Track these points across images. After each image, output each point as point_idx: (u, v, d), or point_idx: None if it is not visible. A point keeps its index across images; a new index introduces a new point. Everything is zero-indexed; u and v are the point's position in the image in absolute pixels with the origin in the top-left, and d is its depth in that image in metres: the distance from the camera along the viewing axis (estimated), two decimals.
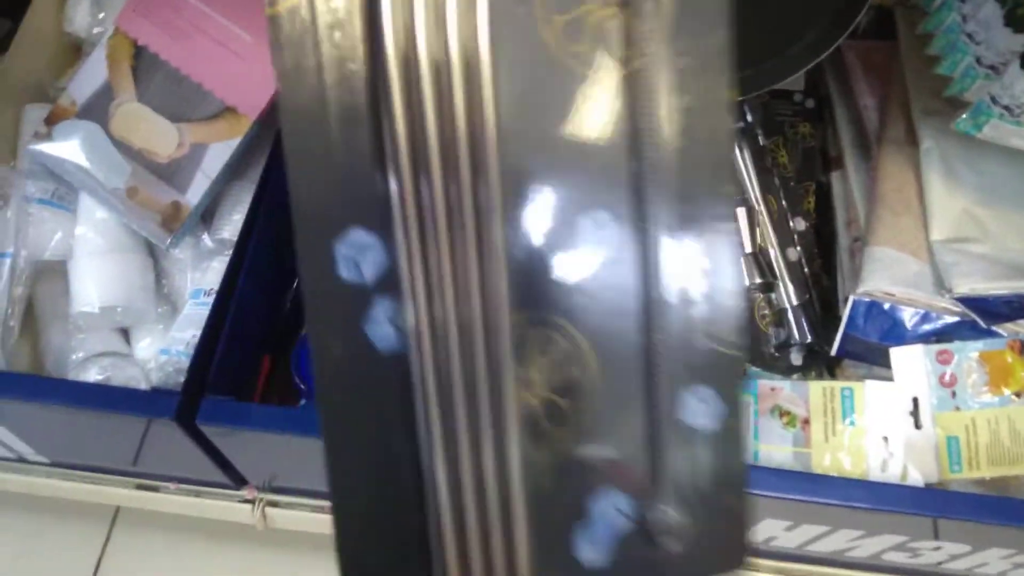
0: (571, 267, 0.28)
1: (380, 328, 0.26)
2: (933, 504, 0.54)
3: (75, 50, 0.78)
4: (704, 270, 0.29)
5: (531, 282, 0.27)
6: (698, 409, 0.29)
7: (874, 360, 0.63)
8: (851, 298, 0.62)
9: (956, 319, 0.62)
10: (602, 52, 0.26)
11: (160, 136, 0.64)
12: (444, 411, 0.27)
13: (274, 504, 0.68)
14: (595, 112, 0.27)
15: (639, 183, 0.27)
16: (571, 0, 0.26)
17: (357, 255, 0.25)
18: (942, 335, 0.62)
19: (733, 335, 0.29)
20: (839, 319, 0.63)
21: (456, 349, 0.26)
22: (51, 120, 0.65)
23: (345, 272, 0.25)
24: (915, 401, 0.61)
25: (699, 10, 0.26)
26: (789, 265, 0.67)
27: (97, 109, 0.65)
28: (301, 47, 0.24)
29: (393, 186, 0.25)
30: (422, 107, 0.25)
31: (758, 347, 0.65)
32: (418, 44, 0.25)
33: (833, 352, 0.63)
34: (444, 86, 0.25)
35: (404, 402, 0.27)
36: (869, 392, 0.61)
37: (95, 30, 0.75)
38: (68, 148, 0.64)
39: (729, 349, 0.29)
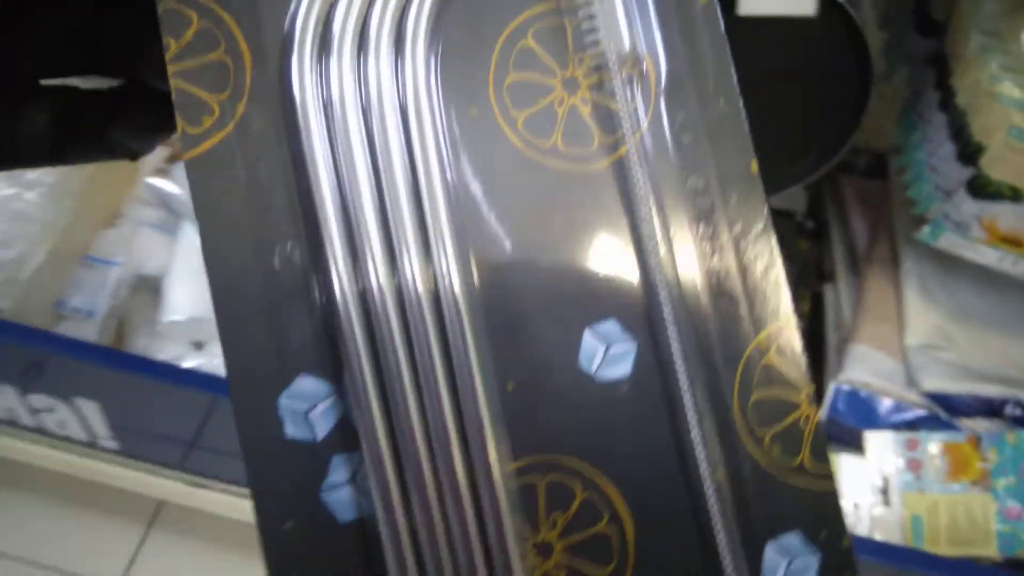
0: (581, 391, 0.22)
1: (339, 493, 0.21)
2: (905, 559, 0.62)
3: None
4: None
5: (531, 418, 0.22)
6: (782, 564, 0.22)
7: (850, 443, 0.72)
8: (832, 385, 0.72)
9: (924, 412, 0.71)
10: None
11: None
12: None
13: None
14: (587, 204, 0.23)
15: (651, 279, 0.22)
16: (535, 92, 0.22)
17: (305, 407, 0.21)
18: (911, 425, 0.72)
19: (814, 456, 0.22)
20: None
21: (437, 511, 0.21)
22: (171, 159, 0.77)
23: (293, 430, 0.21)
24: (885, 480, 0.69)
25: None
26: None
27: None
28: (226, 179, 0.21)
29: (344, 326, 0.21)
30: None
31: None
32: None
33: None
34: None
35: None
36: (844, 464, 0.70)
37: None
38: (181, 184, 0.76)
39: (810, 481, 0.22)
